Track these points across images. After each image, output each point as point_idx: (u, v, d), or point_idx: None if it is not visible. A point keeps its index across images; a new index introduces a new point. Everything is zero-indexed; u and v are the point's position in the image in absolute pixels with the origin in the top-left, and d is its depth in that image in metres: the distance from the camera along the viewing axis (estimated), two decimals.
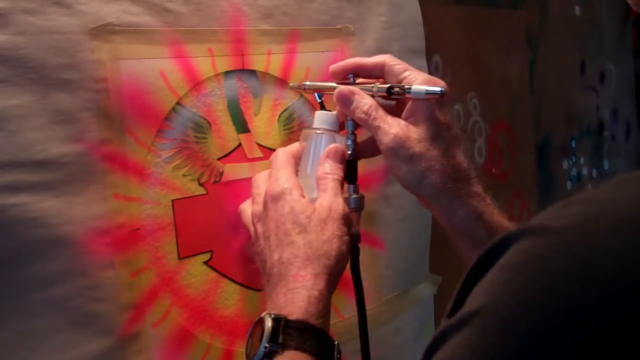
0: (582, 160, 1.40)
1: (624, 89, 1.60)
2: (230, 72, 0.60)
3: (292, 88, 0.64)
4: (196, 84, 0.57)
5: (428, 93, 0.53)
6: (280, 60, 0.64)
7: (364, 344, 0.58)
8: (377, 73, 0.58)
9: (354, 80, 0.58)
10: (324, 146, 0.57)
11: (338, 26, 0.70)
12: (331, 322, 0.67)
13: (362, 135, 0.59)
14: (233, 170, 0.60)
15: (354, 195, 0.57)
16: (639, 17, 1.62)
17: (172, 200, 0.55)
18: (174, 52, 0.55)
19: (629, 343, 0.26)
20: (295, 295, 0.48)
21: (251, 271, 0.61)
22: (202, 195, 0.57)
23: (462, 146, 0.56)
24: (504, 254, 0.31)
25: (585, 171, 1.41)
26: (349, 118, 0.57)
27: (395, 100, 0.57)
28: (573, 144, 1.36)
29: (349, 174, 0.57)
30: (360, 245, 0.57)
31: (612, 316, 0.26)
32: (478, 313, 0.29)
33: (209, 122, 0.58)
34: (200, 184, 0.58)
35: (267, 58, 0.63)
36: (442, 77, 0.93)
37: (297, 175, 0.57)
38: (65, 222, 0.48)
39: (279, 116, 0.64)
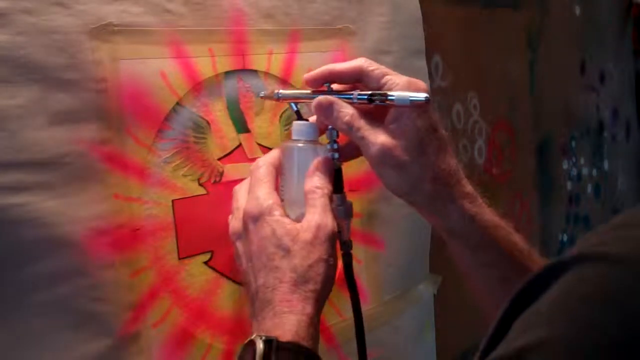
0: (582, 160, 1.40)
1: (624, 89, 1.60)
2: (231, 72, 0.60)
3: (263, 97, 0.60)
4: (196, 84, 0.57)
5: (412, 101, 0.50)
6: (282, 60, 0.64)
7: (361, 351, 0.58)
8: (353, 79, 0.55)
9: (331, 89, 0.56)
10: (306, 158, 0.55)
11: (339, 26, 0.70)
12: (332, 322, 0.67)
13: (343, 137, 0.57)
14: (233, 170, 0.60)
15: (342, 206, 0.56)
16: (639, 17, 1.62)
17: (172, 201, 0.55)
18: (174, 52, 0.55)
19: None
20: (284, 319, 0.48)
21: None
22: (202, 195, 0.57)
23: (450, 147, 0.54)
24: (557, 280, 0.29)
25: (585, 171, 1.42)
26: (330, 127, 0.56)
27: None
28: (573, 144, 1.36)
29: (336, 184, 0.55)
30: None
31: None
32: (542, 346, 0.28)
33: (208, 122, 0.58)
34: (201, 184, 0.57)
35: (268, 58, 0.63)
36: (442, 77, 0.93)
37: (280, 189, 0.56)
38: (66, 222, 0.48)
39: (280, 116, 0.64)
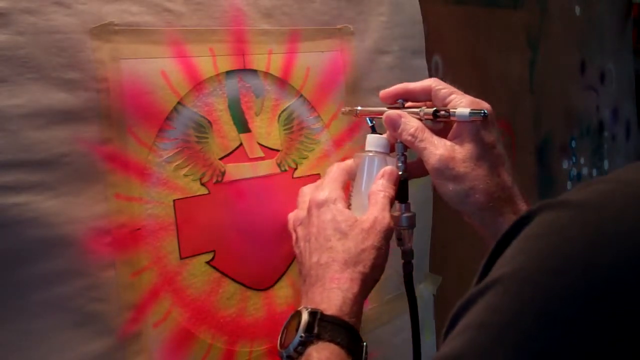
0: (582, 160, 1.40)
1: (624, 89, 1.60)
2: (232, 71, 0.60)
3: (344, 113, 0.67)
4: (197, 84, 0.57)
5: (472, 115, 0.55)
6: (281, 60, 0.64)
7: (416, 356, 0.61)
8: (423, 97, 0.60)
9: (403, 105, 0.61)
10: (376, 167, 0.60)
11: (338, 26, 0.70)
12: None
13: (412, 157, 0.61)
14: (235, 170, 0.60)
15: (405, 214, 0.59)
16: (639, 17, 1.62)
17: (174, 200, 0.55)
18: (175, 52, 0.55)
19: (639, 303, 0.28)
20: (331, 294, 0.52)
21: (254, 271, 0.61)
22: (204, 195, 0.57)
23: (506, 165, 0.58)
24: (526, 227, 0.33)
25: (585, 171, 1.41)
26: (398, 140, 0.60)
27: (442, 122, 0.59)
28: (573, 144, 1.36)
29: (400, 194, 0.59)
30: None
31: (624, 279, 0.28)
32: (500, 279, 0.31)
33: (210, 122, 0.58)
34: (202, 184, 0.57)
35: (268, 58, 0.63)
36: (442, 77, 0.93)
37: (349, 193, 0.61)
38: (66, 222, 0.48)
39: (279, 116, 0.64)
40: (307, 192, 0.61)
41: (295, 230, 0.59)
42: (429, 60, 0.85)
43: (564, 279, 0.29)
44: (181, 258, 0.56)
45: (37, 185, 0.47)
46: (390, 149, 0.61)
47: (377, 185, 0.58)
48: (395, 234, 0.59)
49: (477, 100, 0.57)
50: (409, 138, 0.57)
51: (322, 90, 0.68)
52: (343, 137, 0.71)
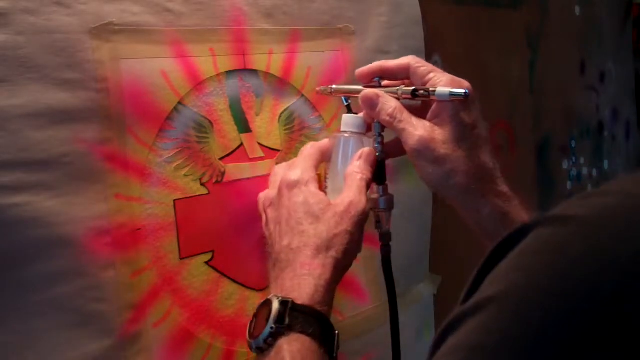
0: (582, 160, 1.40)
1: (624, 89, 1.60)
2: (232, 71, 0.60)
3: (320, 92, 0.64)
4: (198, 84, 0.57)
5: (452, 95, 0.53)
6: (281, 60, 0.64)
7: (395, 342, 0.60)
8: (402, 75, 0.58)
9: (380, 83, 0.59)
10: (352, 148, 0.58)
11: (338, 26, 0.70)
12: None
13: (389, 136, 0.59)
14: (235, 170, 0.60)
15: (383, 196, 0.58)
16: (639, 17, 1.62)
17: (174, 200, 0.55)
18: (175, 52, 0.55)
19: None
20: (302, 281, 0.49)
21: (253, 271, 0.61)
22: (204, 195, 0.57)
23: (487, 146, 0.56)
24: (521, 241, 0.31)
25: (585, 171, 1.41)
26: (375, 120, 0.58)
27: (421, 101, 0.56)
28: (573, 144, 1.36)
29: (378, 175, 0.57)
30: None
31: (627, 302, 0.26)
32: (494, 298, 0.29)
33: (210, 122, 0.58)
34: (202, 184, 0.57)
35: (268, 58, 0.63)
36: None
37: (325, 175, 0.59)
38: (66, 222, 0.48)
39: (280, 116, 0.64)
40: (279, 172, 0.58)
41: (265, 212, 0.57)
42: (428, 60, 0.85)
43: (565, 302, 0.27)
44: (181, 258, 0.56)
45: (37, 185, 0.47)
46: (367, 128, 0.59)
47: (354, 167, 0.56)
48: (373, 217, 0.57)
49: (458, 79, 0.55)
50: (387, 118, 0.56)
51: None
52: None
